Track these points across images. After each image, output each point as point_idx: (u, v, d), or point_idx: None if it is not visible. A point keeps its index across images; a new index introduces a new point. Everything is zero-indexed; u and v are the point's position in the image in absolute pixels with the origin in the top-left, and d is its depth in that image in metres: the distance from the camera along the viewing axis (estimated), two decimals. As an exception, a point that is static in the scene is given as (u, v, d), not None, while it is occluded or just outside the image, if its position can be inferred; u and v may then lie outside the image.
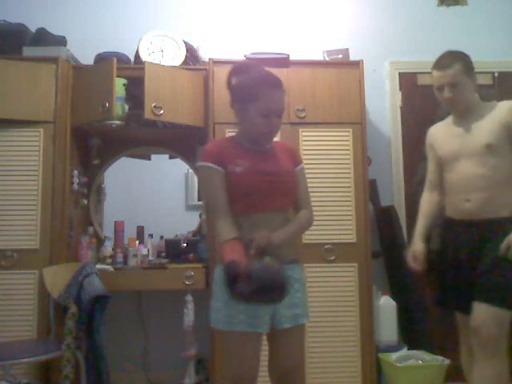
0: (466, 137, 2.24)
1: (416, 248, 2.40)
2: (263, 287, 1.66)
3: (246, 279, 1.65)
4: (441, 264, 2.35)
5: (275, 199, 1.93)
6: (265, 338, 1.96)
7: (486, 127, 2.19)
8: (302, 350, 2.03)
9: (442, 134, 2.38)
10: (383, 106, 3.60)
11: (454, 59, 2.24)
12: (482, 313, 2.05)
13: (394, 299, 3.21)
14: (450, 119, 2.39)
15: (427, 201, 2.48)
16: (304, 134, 3.14)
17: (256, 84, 1.91)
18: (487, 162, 2.16)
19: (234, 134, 2.05)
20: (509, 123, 2.16)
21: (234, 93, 1.99)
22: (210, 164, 1.89)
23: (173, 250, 3.33)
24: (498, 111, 2.20)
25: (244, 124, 1.97)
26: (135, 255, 3.24)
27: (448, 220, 2.34)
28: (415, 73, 3.64)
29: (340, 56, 3.37)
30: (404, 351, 3.04)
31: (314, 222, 3.04)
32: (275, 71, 3.10)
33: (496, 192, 2.15)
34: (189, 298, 3.03)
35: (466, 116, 2.27)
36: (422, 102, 3.59)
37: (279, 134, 3.05)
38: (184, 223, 3.57)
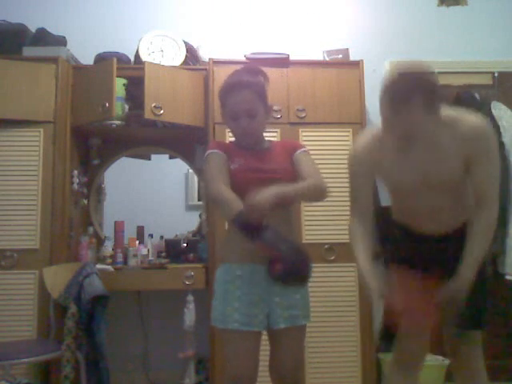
0: (423, 168, 1.88)
1: None
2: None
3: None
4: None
5: None
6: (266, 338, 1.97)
7: (446, 159, 1.85)
8: (301, 352, 2.03)
9: (386, 156, 1.96)
10: (383, 105, 3.59)
11: None
12: (455, 340, 1.98)
13: (394, 299, 3.21)
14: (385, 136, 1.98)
15: (365, 238, 2.15)
16: (304, 134, 3.14)
17: (222, 91, 2.00)
18: (449, 196, 1.91)
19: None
20: (468, 156, 1.82)
21: None
22: (216, 150, 1.98)
23: (173, 250, 3.33)
24: (458, 138, 1.82)
25: None
26: (135, 255, 3.24)
27: (401, 227, 2.10)
28: (415, 73, 3.64)
29: (340, 56, 3.37)
30: (404, 351, 3.04)
31: (314, 222, 3.09)
32: (275, 71, 3.16)
33: (458, 215, 1.96)
34: (190, 297, 3.03)
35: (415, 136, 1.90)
36: (422, 102, 3.59)
37: (279, 133, 3.09)
38: (184, 223, 3.57)
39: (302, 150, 2.09)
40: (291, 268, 1.76)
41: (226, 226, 2.11)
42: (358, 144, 2.09)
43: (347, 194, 3.31)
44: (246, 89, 1.95)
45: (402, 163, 1.93)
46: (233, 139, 2.13)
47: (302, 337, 1.99)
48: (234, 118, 1.95)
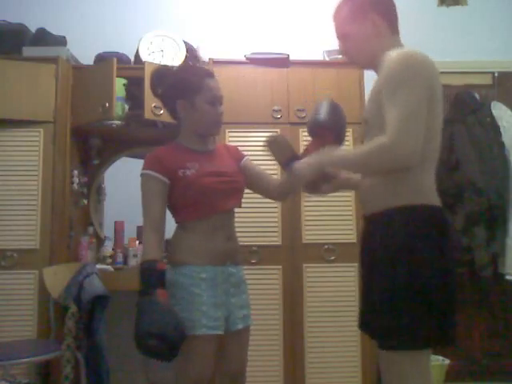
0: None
1: None
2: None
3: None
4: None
5: (229, 199, 1.95)
6: None
7: (371, 93, 1.70)
8: (247, 351, 2.01)
9: None
10: (383, 106, 3.59)
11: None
12: (383, 359, 1.57)
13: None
14: None
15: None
16: (304, 133, 3.13)
17: (198, 76, 1.95)
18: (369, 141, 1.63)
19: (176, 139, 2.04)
20: (380, 84, 1.64)
21: (173, 92, 1.97)
22: (151, 172, 1.93)
23: (173, 250, 3.33)
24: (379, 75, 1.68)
25: (190, 119, 1.96)
26: (135, 255, 3.24)
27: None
28: (415, 73, 3.64)
29: (340, 56, 3.36)
30: (404, 351, 3.04)
31: (314, 222, 3.09)
32: (275, 71, 3.16)
33: (380, 177, 1.63)
34: (189, 297, 3.02)
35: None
36: (421, 102, 3.59)
37: (279, 133, 3.08)
38: (184, 223, 3.56)
39: (247, 157, 2.10)
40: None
41: (180, 227, 2.02)
42: None
43: (347, 193, 3.32)
44: (216, 78, 2.00)
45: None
46: (172, 142, 2.03)
47: (249, 337, 1.99)
48: (213, 102, 1.93)
